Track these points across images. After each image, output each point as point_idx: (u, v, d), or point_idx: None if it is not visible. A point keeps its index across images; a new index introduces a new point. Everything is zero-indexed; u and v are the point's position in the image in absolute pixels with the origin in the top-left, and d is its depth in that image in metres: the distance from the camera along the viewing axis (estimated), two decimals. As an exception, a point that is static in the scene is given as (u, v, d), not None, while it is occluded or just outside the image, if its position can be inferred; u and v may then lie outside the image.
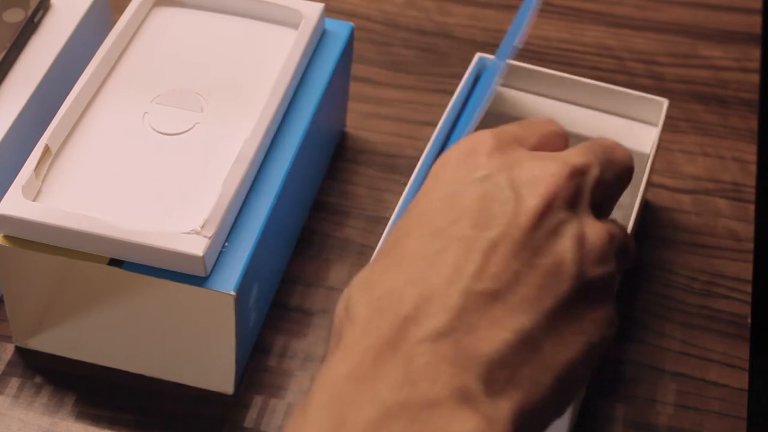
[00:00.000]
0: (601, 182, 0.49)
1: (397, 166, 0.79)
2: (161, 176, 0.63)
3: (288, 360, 0.67)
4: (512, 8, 0.92)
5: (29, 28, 0.71)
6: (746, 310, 0.72)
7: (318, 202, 0.76)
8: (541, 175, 0.46)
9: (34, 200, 0.61)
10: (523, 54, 0.87)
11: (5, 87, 0.68)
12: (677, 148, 0.81)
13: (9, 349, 0.67)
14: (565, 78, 0.73)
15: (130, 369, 0.66)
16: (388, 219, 0.70)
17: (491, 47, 0.88)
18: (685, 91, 0.86)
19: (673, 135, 0.82)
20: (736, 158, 0.81)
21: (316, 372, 0.66)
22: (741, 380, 0.68)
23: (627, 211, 0.69)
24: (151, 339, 0.67)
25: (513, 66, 0.73)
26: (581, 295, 0.44)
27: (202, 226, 0.59)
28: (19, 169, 0.62)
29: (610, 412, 0.66)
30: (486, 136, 0.48)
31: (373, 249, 0.66)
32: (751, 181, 0.80)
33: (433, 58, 0.88)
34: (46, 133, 0.63)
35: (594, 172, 0.48)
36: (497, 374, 0.41)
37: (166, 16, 0.73)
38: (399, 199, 0.63)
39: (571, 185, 0.47)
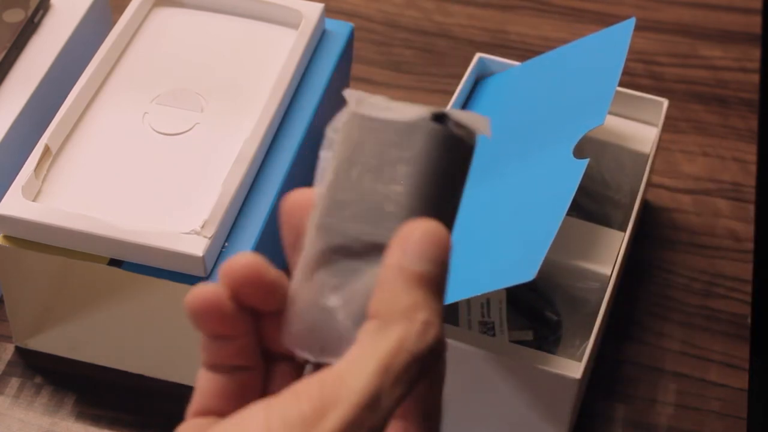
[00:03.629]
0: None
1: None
2: (161, 176, 0.63)
3: (288, 360, 0.67)
4: (512, 8, 0.92)
5: (29, 28, 0.71)
6: (746, 310, 0.72)
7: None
8: None
9: (34, 200, 0.61)
10: (524, 54, 0.87)
11: (5, 87, 0.68)
12: (677, 148, 0.81)
13: (9, 349, 0.67)
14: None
15: (130, 369, 0.66)
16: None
17: (491, 47, 0.88)
18: (685, 91, 0.86)
19: (673, 135, 0.82)
20: (736, 158, 0.81)
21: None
22: (741, 380, 0.68)
23: (627, 211, 0.69)
24: (151, 339, 0.67)
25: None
26: None
27: (202, 227, 0.59)
28: (19, 169, 0.62)
29: (610, 412, 0.66)
30: None
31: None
32: (751, 181, 0.79)
33: (432, 58, 0.88)
34: (46, 133, 0.63)
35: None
36: None
37: (166, 16, 0.73)
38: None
39: None
